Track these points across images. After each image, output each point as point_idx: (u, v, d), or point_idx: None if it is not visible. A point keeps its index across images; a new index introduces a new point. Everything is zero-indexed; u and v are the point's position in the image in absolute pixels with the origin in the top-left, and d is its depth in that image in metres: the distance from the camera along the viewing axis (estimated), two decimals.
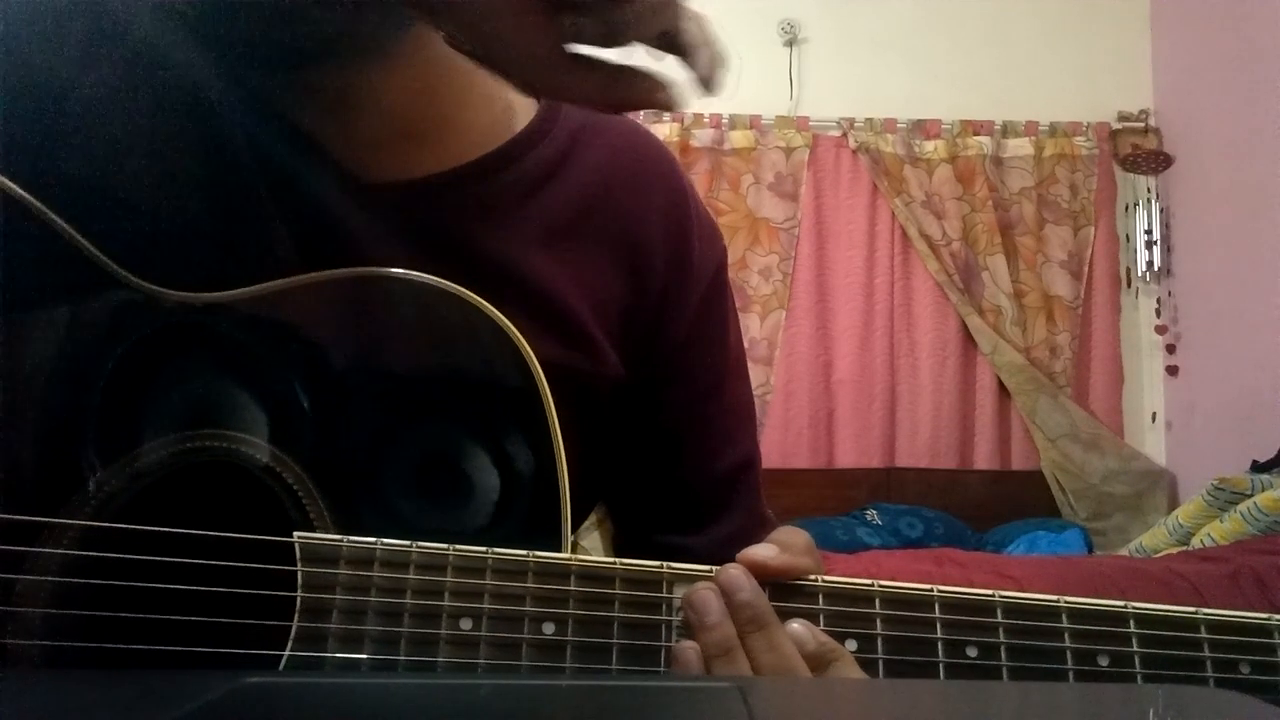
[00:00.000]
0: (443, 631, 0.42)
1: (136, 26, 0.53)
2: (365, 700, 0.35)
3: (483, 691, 0.36)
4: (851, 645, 0.44)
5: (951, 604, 0.45)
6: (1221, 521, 2.35)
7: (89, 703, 0.33)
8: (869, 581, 0.45)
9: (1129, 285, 3.29)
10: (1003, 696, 0.41)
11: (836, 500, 3.01)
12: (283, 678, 0.38)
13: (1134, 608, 0.45)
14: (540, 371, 0.47)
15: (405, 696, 0.36)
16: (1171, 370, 3.20)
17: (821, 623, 0.44)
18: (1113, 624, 0.45)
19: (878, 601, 0.45)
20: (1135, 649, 0.44)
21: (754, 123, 3.24)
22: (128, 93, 0.52)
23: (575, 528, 0.64)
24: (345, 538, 0.42)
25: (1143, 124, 3.27)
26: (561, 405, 0.55)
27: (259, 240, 0.50)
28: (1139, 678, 0.44)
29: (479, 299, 0.47)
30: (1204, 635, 0.45)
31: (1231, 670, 0.44)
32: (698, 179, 3.16)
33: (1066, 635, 0.44)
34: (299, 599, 0.41)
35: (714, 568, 0.44)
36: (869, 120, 3.24)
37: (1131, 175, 3.26)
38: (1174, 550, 2.42)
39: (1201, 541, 2.36)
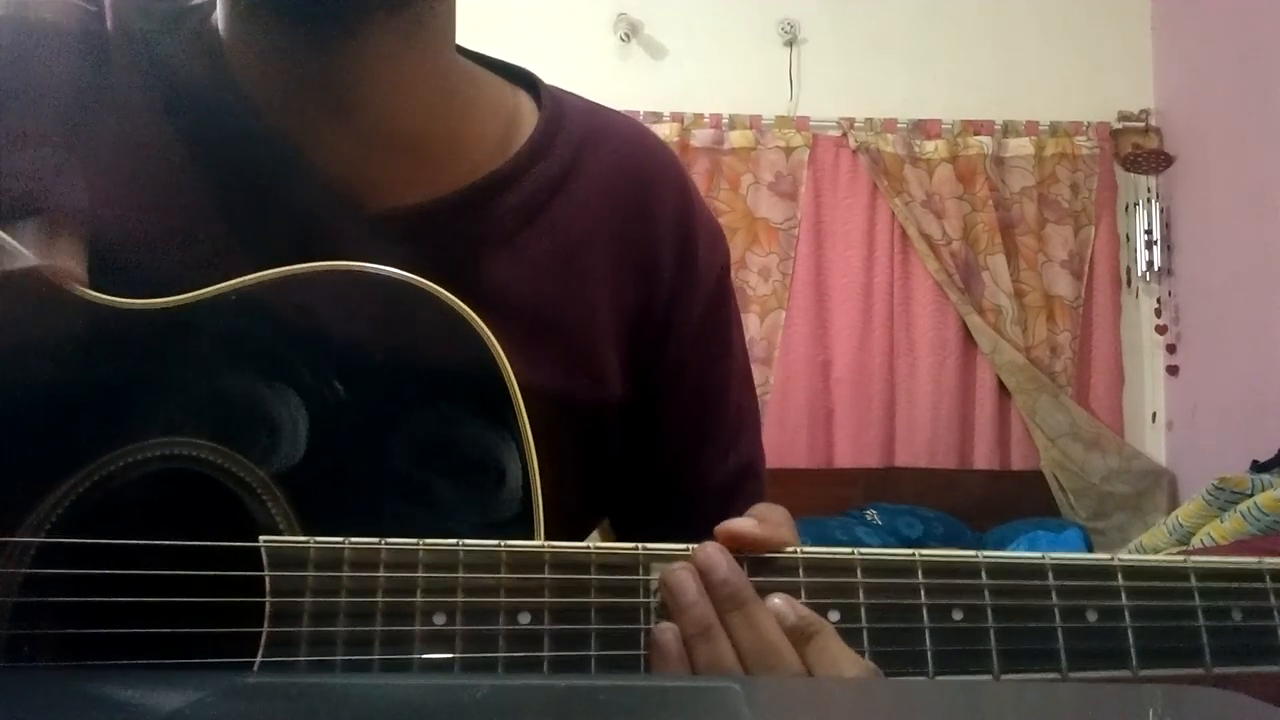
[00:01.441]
0: (416, 628, 0.41)
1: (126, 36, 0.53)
2: (360, 701, 0.34)
3: (479, 692, 0.36)
4: (834, 616, 0.43)
5: (934, 568, 0.44)
6: (1222, 521, 2.34)
7: (80, 701, 0.33)
8: (849, 550, 0.44)
9: (1129, 285, 3.28)
10: (1000, 696, 0.41)
11: (835, 500, 3.00)
12: (277, 678, 0.38)
13: (1120, 560, 0.44)
14: (506, 361, 0.46)
15: (401, 697, 0.36)
16: (1172, 370, 3.19)
17: (803, 595, 0.43)
18: (1099, 578, 0.44)
19: (859, 570, 0.44)
20: (1124, 602, 0.44)
21: (753, 123, 3.24)
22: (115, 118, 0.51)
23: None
24: (312, 539, 0.41)
25: (1143, 124, 3.27)
26: (566, 431, 0.54)
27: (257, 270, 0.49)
28: (1129, 631, 0.43)
29: (443, 291, 0.46)
30: (1194, 584, 0.44)
31: (1223, 618, 0.44)
32: (697, 179, 3.14)
33: (1053, 592, 0.44)
34: (268, 604, 0.40)
35: (690, 546, 0.44)
36: (869, 120, 3.23)
37: (1132, 175, 3.26)
38: (1174, 550, 2.42)
39: (1201, 541, 2.36)
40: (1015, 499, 3.05)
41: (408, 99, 0.53)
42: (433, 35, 0.53)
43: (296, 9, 0.49)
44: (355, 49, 0.50)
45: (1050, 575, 0.44)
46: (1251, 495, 2.33)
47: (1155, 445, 3.23)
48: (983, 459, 3.16)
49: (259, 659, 0.40)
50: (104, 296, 0.45)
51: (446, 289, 0.46)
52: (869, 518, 2.88)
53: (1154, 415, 3.24)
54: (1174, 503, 3.01)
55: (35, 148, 0.49)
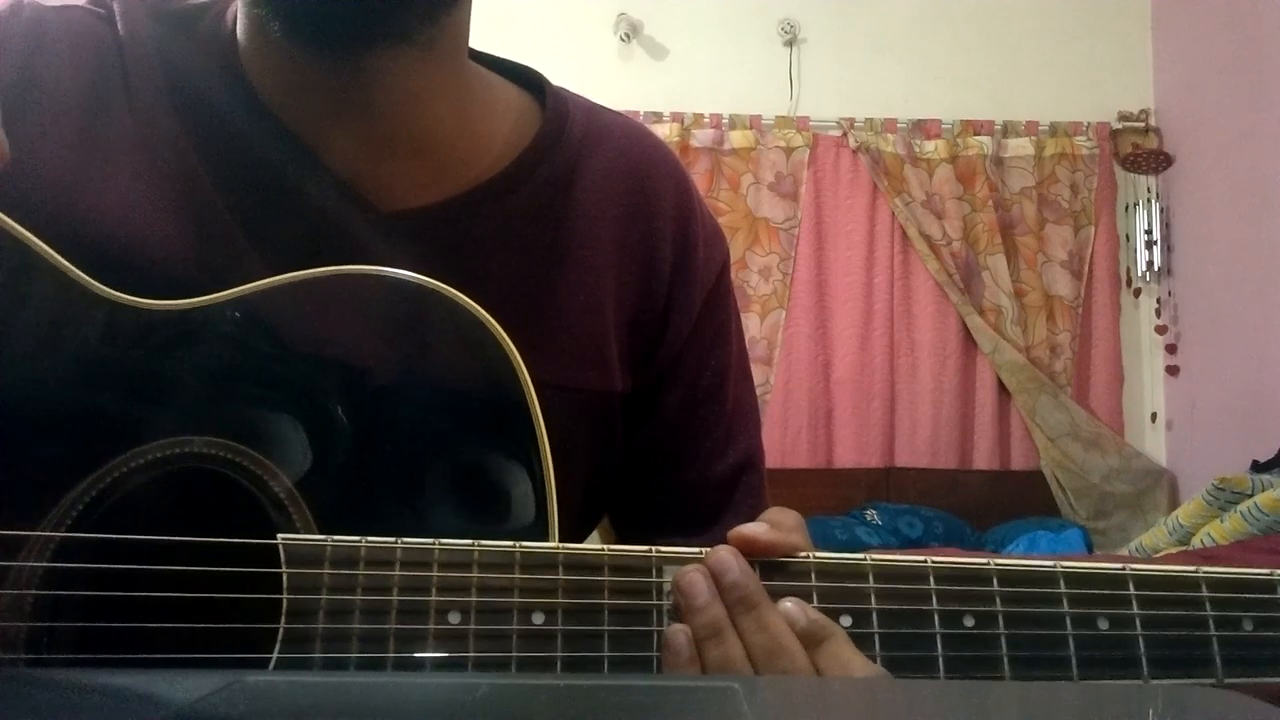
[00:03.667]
0: (431, 626, 0.41)
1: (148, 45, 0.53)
2: (361, 699, 0.34)
3: (480, 691, 0.36)
4: (846, 621, 0.43)
5: (946, 574, 0.44)
6: (1221, 521, 2.34)
7: (84, 701, 0.33)
8: (861, 556, 0.44)
9: (1129, 285, 3.29)
10: (1002, 696, 0.40)
11: (836, 500, 3.00)
12: (279, 676, 0.38)
13: (1132, 569, 0.44)
14: (524, 366, 0.46)
15: (402, 695, 0.36)
16: (1172, 370, 3.19)
17: (815, 600, 0.43)
18: (1111, 587, 0.44)
19: (871, 576, 0.44)
20: (1135, 611, 0.44)
21: (754, 123, 3.24)
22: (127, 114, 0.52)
23: (582, 539, 0.64)
24: (329, 538, 0.42)
25: (1143, 124, 3.27)
26: (575, 424, 0.55)
27: (270, 270, 0.49)
28: (1140, 640, 0.44)
29: (461, 295, 0.47)
30: (1205, 594, 0.44)
31: (1234, 628, 0.44)
32: (698, 179, 3.15)
33: (1065, 600, 0.44)
34: (284, 601, 0.41)
35: (703, 549, 0.44)
36: (869, 120, 3.24)
37: (1132, 175, 3.26)
38: (1174, 550, 2.42)
39: (1201, 541, 2.36)
40: (1015, 499, 3.05)
41: (419, 107, 0.54)
42: (443, 52, 0.54)
43: (307, 33, 0.50)
44: (367, 66, 0.51)
45: (1062, 583, 0.44)
46: (1251, 495, 2.33)
47: (1155, 445, 3.24)
48: (983, 459, 3.17)
49: (275, 655, 0.40)
50: (125, 296, 0.45)
51: (455, 287, 0.47)
52: (869, 517, 2.88)
53: (1154, 415, 3.25)
54: (1174, 503, 3.02)
55: (50, 153, 0.50)
